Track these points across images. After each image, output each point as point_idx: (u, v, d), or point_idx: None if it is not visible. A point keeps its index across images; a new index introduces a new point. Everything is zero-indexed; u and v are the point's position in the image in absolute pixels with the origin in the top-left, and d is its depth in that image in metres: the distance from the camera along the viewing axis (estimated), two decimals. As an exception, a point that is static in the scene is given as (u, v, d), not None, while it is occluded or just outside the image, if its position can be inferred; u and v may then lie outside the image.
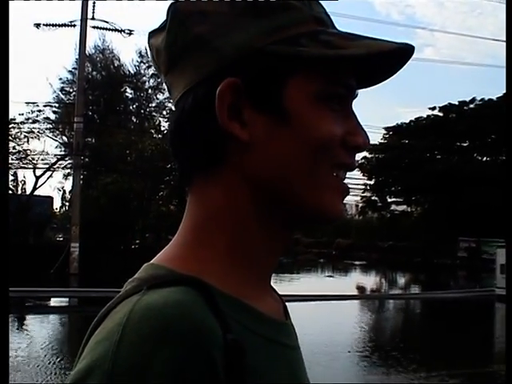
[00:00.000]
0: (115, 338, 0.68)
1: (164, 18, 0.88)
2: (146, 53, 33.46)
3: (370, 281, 37.56)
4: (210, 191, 0.85)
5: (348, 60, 0.82)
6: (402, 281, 40.15)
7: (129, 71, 39.19)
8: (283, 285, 31.39)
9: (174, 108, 0.89)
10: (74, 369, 0.72)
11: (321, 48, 0.81)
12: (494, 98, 49.16)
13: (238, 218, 0.85)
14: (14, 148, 32.42)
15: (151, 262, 0.85)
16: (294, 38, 0.82)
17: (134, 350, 0.67)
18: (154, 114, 39.26)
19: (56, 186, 51.76)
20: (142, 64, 38.02)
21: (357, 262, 50.50)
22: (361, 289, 31.82)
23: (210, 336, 0.70)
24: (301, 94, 0.82)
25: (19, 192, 38.18)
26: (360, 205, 60.51)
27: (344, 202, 0.90)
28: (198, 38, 0.83)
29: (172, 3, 0.86)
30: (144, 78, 38.80)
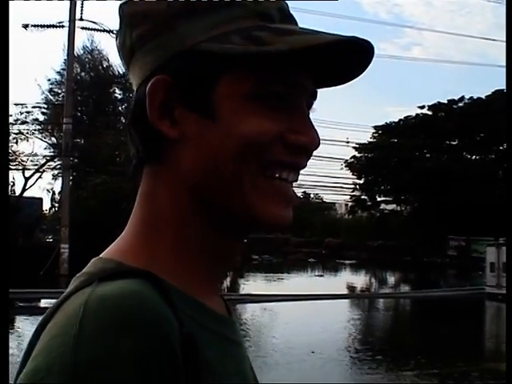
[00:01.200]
0: (73, 331, 0.66)
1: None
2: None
3: (360, 280, 37.62)
4: (156, 186, 0.86)
5: (272, 56, 0.78)
6: (391, 280, 40.21)
7: (118, 72, 39.13)
8: (273, 284, 31.40)
9: None
10: (26, 368, 0.69)
11: (247, 45, 0.79)
12: (483, 96, 49.42)
13: (181, 215, 0.84)
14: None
15: (99, 256, 0.84)
16: (225, 35, 0.81)
17: (96, 342, 0.65)
18: (143, 114, 39.14)
19: (45, 188, 51.32)
20: (130, 64, 37.89)
21: (347, 262, 50.57)
22: (350, 288, 31.86)
23: (168, 326, 0.69)
24: (231, 93, 0.81)
25: (9, 193, 38.05)
26: (349, 204, 60.61)
27: (285, 206, 0.85)
28: (139, 38, 0.84)
29: (120, 4, 0.88)
30: (133, 78, 38.69)
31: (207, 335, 0.79)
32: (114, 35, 0.90)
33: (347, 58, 0.83)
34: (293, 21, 0.88)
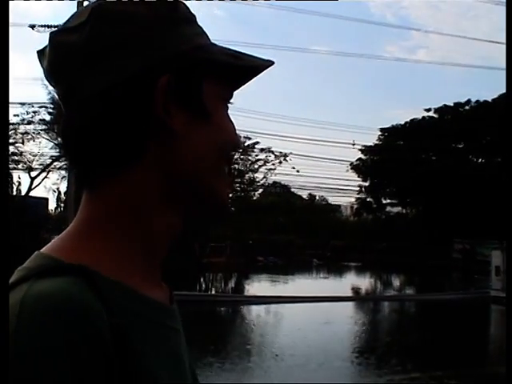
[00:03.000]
0: (12, 327, 0.72)
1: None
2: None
3: (365, 282, 37.58)
4: (116, 186, 0.89)
5: (245, 69, 0.95)
6: (396, 282, 40.19)
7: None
8: (277, 286, 31.37)
9: (79, 107, 0.88)
10: None
11: (228, 57, 0.93)
12: (489, 99, 49.39)
13: (140, 210, 0.89)
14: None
15: (41, 250, 0.88)
16: (206, 46, 0.94)
17: (32, 337, 0.71)
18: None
19: (51, 187, 51.52)
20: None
21: (352, 264, 50.58)
22: (355, 290, 31.83)
23: (98, 318, 0.75)
24: (214, 95, 0.93)
25: (14, 193, 38.12)
26: (355, 206, 60.68)
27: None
28: (124, 37, 0.86)
29: (96, 2, 0.89)
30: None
31: (142, 323, 0.84)
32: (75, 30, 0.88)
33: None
34: None
